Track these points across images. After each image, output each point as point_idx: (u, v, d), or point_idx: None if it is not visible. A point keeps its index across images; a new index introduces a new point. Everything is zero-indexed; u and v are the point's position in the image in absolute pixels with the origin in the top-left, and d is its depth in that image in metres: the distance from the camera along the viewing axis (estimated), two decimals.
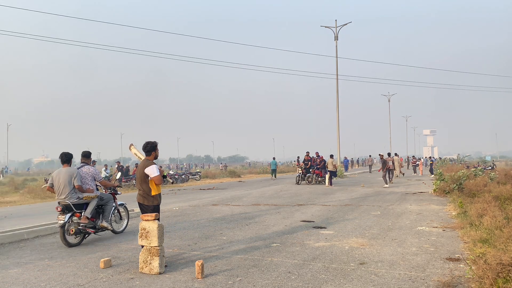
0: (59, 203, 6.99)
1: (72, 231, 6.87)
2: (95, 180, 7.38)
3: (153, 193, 5.70)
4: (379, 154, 21.39)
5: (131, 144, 6.59)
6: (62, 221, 6.77)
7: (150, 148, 5.85)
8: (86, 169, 7.34)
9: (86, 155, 7.59)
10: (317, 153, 23.34)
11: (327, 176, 20.53)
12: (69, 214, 6.87)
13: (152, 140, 5.95)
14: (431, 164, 30.66)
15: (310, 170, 22.23)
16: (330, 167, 20.88)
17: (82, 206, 7.06)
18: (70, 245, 6.88)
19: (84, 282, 4.91)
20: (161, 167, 13.55)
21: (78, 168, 7.22)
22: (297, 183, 21.87)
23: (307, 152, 24.12)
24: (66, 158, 7.05)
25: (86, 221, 7.00)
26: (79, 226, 6.97)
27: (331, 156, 21.65)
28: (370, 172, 36.91)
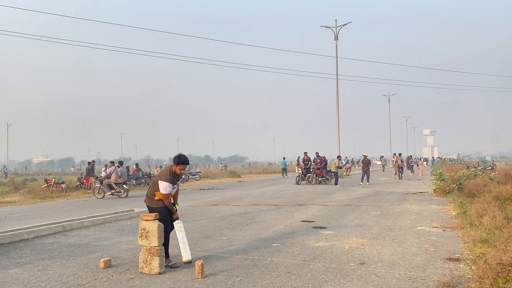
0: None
1: None
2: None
3: (156, 198, 5.64)
4: (363, 155, 22.44)
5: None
6: None
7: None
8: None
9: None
10: (317, 153, 23.37)
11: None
12: None
13: (185, 155, 5.63)
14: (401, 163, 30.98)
15: (311, 170, 22.28)
16: (335, 168, 21.14)
17: None
18: None
19: (84, 282, 4.91)
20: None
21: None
22: (297, 183, 21.89)
23: (305, 153, 24.18)
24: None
25: None
26: None
27: (339, 158, 22.16)
28: (383, 171, 38.89)
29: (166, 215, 5.62)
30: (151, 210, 5.66)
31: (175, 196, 5.86)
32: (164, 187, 5.49)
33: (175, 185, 5.66)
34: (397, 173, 25.41)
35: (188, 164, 5.73)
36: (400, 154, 26.26)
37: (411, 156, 42.44)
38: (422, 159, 52.22)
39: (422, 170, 33.27)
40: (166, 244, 5.60)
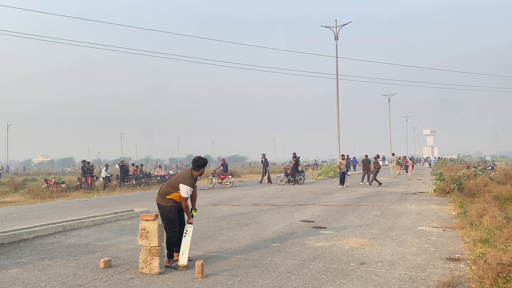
0: None
1: None
2: None
3: (168, 197, 5.61)
4: (365, 155, 22.33)
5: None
6: None
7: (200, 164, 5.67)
8: None
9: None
10: (294, 153, 23.40)
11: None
12: None
13: (203, 157, 5.70)
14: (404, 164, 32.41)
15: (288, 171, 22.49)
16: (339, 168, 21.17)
17: None
18: None
19: (84, 282, 4.91)
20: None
21: None
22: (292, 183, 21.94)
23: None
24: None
25: None
26: None
27: (342, 157, 22.17)
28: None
29: (175, 215, 5.59)
30: (161, 208, 5.65)
31: (193, 201, 5.79)
32: (185, 190, 5.46)
33: (192, 188, 5.62)
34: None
35: (205, 166, 5.71)
36: (405, 157, 27.67)
37: (405, 156, 43.05)
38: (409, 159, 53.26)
39: (411, 170, 34.52)
40: (172, 244, 5.59)
